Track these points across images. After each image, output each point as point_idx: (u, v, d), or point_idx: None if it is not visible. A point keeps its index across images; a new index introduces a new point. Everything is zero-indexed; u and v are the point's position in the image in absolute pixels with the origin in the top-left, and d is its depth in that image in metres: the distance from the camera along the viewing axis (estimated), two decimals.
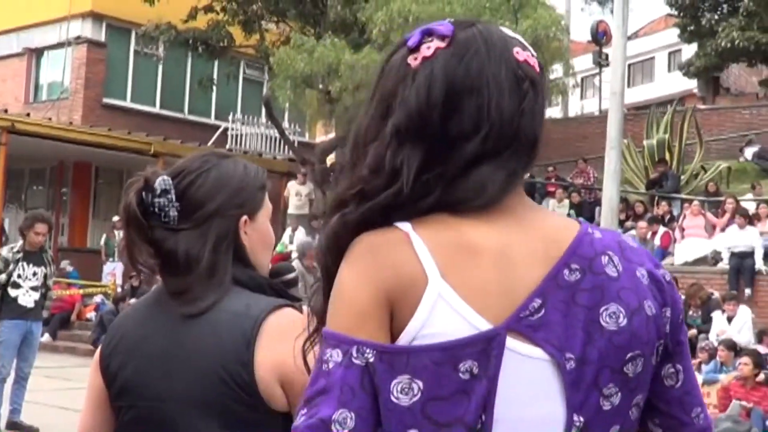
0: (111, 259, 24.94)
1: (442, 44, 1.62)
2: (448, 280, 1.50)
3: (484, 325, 1.49)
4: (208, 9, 27.95)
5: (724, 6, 43.74)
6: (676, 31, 46.32)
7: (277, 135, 29.22)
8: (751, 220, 17.96)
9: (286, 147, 29.23)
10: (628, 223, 19.62)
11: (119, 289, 23.44)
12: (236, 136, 30.33)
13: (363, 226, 1.58)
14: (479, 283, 1.52)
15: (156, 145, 25.75)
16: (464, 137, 1.58)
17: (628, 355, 1.55)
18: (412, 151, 1.58)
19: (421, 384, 1.47)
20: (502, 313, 1.51)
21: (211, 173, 2.37)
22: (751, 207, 19.30)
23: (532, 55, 1.67)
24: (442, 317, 1.49)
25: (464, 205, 1.58)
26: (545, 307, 1.53)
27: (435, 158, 1.58)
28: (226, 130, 30.40)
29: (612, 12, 18.79)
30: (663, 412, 1.68)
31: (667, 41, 51.50)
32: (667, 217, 19.94)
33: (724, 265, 17.51)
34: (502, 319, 1.50)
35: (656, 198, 21.70)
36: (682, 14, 44.78)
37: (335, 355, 1.51)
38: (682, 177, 23.34)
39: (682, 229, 18.98)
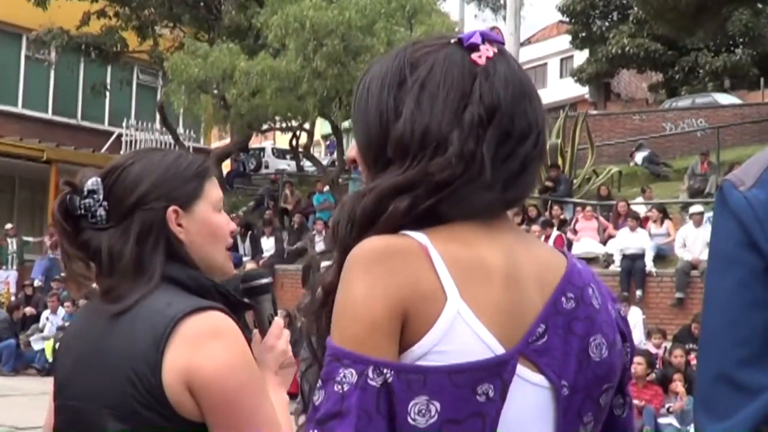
0: (3, 267, 24.53)
1: (496, 50, 1.65)
2: (464, 298, 1.49)
3: (499, 348, 1.47)
4: (101, 14, 27.76)
5: (615, 14, 44.78)
6: (568, 37, 47.39)
7: (172, 141, 29.04)
8: (641, 223, 18.35)
9: None
10: (522, 227, 19.87)
11: (13, 298, 23.05)
12: (130, 142, 30.05)
13: (408, 217, 1.55)
14: (493, 303, 1.51)
15: (49, 151, 25.42)
16: (523, 137, 1.60)
17: (605, 386, 1.59)
18: (490, 141, 1.57)
19: (438, 405, 1.43)
20: (514, 335, 1.50)
21: (135, 167, 2.25)
22: (641, 210, 19.71)
23: None
24: (460, 336, 1.46)
25: (513, 203, 1.64)
26: (548, 333, 1.53)
27: (502, 154, 1.59)
28: (120, 136, 30.15)
29: (504, 19, 19.05)
30: None
31: (559, 48, 52.50)
32: (560, 220, 20.26)
33: (615, 267, 17.84)
34: (514, 342, 1.50)
35: (549, 202, 22.04)
36: (573, 21, 45.73)
37: (349, 376, 1.44)
38: (575, 181, 23.74)
39: (575, 232, 19.31)
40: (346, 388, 1.43)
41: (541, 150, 1.63)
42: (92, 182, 2.20)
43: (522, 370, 1.49)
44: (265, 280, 2.44)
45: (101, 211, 2.19)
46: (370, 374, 1.43)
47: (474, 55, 1.62)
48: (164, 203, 2.21)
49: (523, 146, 1.60)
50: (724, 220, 1.39)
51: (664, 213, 18.99)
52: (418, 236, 1.51)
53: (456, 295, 1.47)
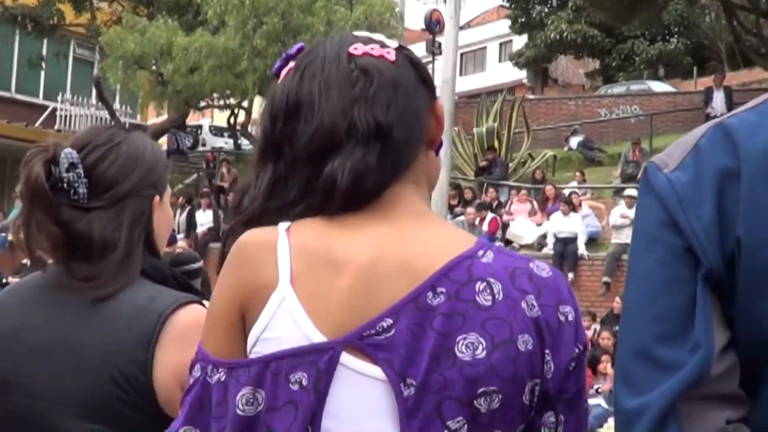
0: None
1: (293, 64, 1.67)
2: (296, 286, 1.49)
3: (317, 337, 1.46)
4: None
5: (554, 0, 44.94)
6: (508, 22, 47.48)
7: (108, 116, 28.66)
8: (574, 207, 18.54)
9: None
10: (458, 209, 19.99)
11: None
12: (65, 116, 29.67)
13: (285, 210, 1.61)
14: (327, 294, 1.49)
15: None
16: (308, 140, 1.58)
17: (480, 390, 1.44)
18: (268, 168, 1.62)
19: (263, 394, 1.46)
20: (345, 328, 1.47)
21: (122, 148, 2.15)
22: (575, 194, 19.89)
23: (383, 47, 1.67)
24: (281, 323, 1.48)
25: (328, 205, 1.56)
26: (395, 327, 1.46)
27: (290, 167, 1.60)
28: (54, 110, 29.69)
29: (445, 2, 19.08)
30: None
31: (498, 32, 52.60)
32: (495, 203, 20.40)
33: (548, 250, 18.02)
34: (342, 334, 1.47)
35: (485, 185, 22.17)
36: (513, 6, 45.89)
37: (196, 371, 1.55)
38: (510, 165, 23.93)
39: (510, 215, 19.47)
40: (191, 381, 1.55)
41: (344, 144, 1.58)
42: (70, 155, 2.07)
43: (353, 361, 1.46)
44: (196, 265, 2.43)
45: (82, 189, 2.07)
46: (209, 372, 1.52)
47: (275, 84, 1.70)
48: (152, 191, 2.17)
49: (306, 149, 1.59)
50: (647, 200, 1.43)
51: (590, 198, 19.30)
52: (282, 226, 1.56)
53: (286, 283, 1.49)
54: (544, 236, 18.43)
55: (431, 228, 1.59)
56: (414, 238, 1.55)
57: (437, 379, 1.43)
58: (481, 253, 1.54)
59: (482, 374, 1.44)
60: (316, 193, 1.57)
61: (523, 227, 18.94)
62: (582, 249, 17.75)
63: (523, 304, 1.49)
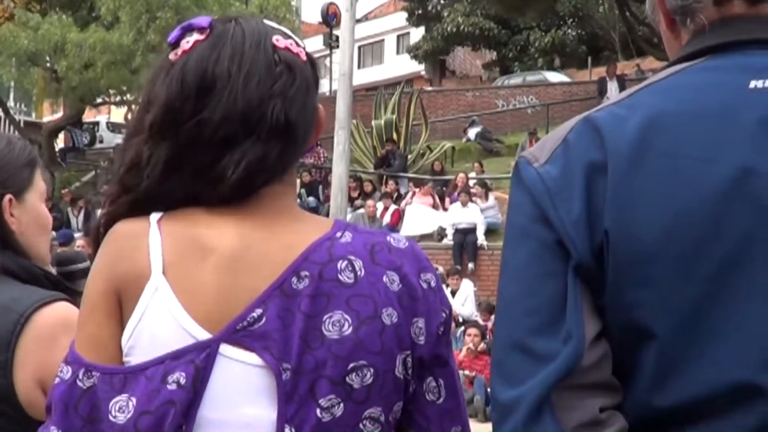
0: None
1: (201, 37, 1.60)
2: (168, 276, 1.49)
3: (197, 332, 1.47)
4: None
5: None
6: (405, 14, 47.49)
7: (2, 114, 28.11)
8: (472, 197, 18.67)
9: (12, 126, 28.16)
10: (358, 202, 20.00)
11: None
12: None
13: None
14: (199, 284, 1.50)
15: None
16: (215, 125, 1.54)
17: (351, 366, 1.47)
18: (162, 143, 1.55)
19: (135, 401, 1.44)
20: (219, 320, 1.48)
21: None
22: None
23: (298, 45, 1.65)
24: (156, 313, 1.48)
25: (208, 195, 1.55)
26: (265, 316, 1.48)
27: (189, 150, 1.55)
28: None
29: None
30: (422, 427, 1.59)
31: (396, 24, 52.57)
32: (395, 195, 20.44)
33: (448, 241, 18.12)
34: (218, 327, 1.47)
35: (385, 177, 22.21)
36: None
37: (65, 372, 1.51)
38: (409, 156, 23.99)
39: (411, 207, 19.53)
40: (57, 381, 1.51)
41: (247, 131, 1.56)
42: None
43: (230, 350, 1.47)
44: (81, 265, 2.37)
45: None
46: (80, 375, 1.49)
47: (172, 54, 1.62)
48: (0, 191, 2.10)
49: (212, 136, 1.54)
50: (518, 194, 1.44)
51: (487, 188, 19.43)
52: (153, 217, 1.55)
53: (158, 273, 1.49)
54: (444, 227, 18.53)
55: (293, 222, 1.60)
56: (277, 232, 1.56)
57: (308, 360, 1.46)
58: (339, 234, 1.57)
59: (351, 350, 1.47)
60: (204, 182, 1.55)
61: (422, 218, 19.00)
62: (482, 239, 17.88)
63: (385, 279, 1.53)
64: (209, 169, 1.54)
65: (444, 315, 1.60)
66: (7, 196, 2.10)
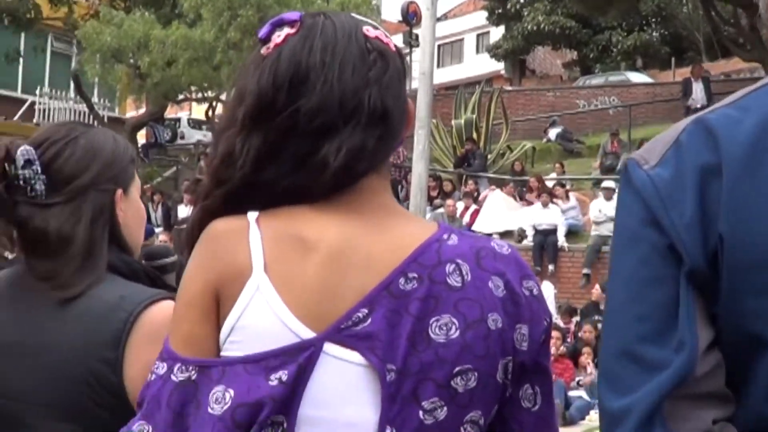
0: None
1: (292, 30, 1.61)
2: (269, 273, 1.49)
3: (301, 330, 1.46)
4: None
5: None
6: (485, 13, 47.48)
7: (86, 110, 28.63)
8: (553, 198, 18.59)
9: (96, 122, 28.62)
10: (437, 201, 20.00)
11: None
12: (44, 110, 29.58)
13: (222, 215, 1.57)
14: (301, 282, 1.49)
15: None
16: (312, 115, 1.55)
17: (456, 369, 1.47)
18: (255, 134, 1.56)
19: (232, 392, 1.44)
20: (322, 318, 1.47)
21: (80, 142, 2.10)
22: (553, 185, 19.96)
23: (387, 36, 1.66)
24: (257, 311, 1.47)
25: (310, 185, 1.55)
26: (371, 316, 1.47)
27: (283, 141, 1.56)
28: (33, 103, 29.60)
29: None
30: None
31: (475, 23, 52.61)
32: (474, 195, 20.42)
33: (528, 242, 18.06)
34: (323, 325, 1.47)
35: (464, 176, 22.18)
36: None
37: (160, 368, 1.51)
38: (489, 156, 23.94)
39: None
40: (153, 377, 1.52)
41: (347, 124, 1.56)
42: (27, 152, 2.03)
43: (334, 348, 1.46)
44: (170, 259, 2.40)
45: (40, 185, 2.03)
46: (175, 370, 1.49)
47: (263, 48, 1.63)
48: (113, 185, 2.12)
49: (308, 125, 1.55)
50: (628, 197, 1.41)
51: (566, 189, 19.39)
52: (252, 215, 1.55)
53: (260, 271, 1.49)
54: (524, 228, 18.46)
55: (397, 220, 1.61)
56: (382, 230, 1.57)
57: (414, 362, 1.46)
58: (446, 236, 1.58)
59: (457, 353, 1.47)
60: (305, 171, 1.55)
61: (502, 219, 18.96)
62: (562, 241, 17.78)
63: (490, 284, 1.53)
64: (310, 157, 1.54)
65: (546, 323, 1.60)
66: (119, 191, 2.13)
